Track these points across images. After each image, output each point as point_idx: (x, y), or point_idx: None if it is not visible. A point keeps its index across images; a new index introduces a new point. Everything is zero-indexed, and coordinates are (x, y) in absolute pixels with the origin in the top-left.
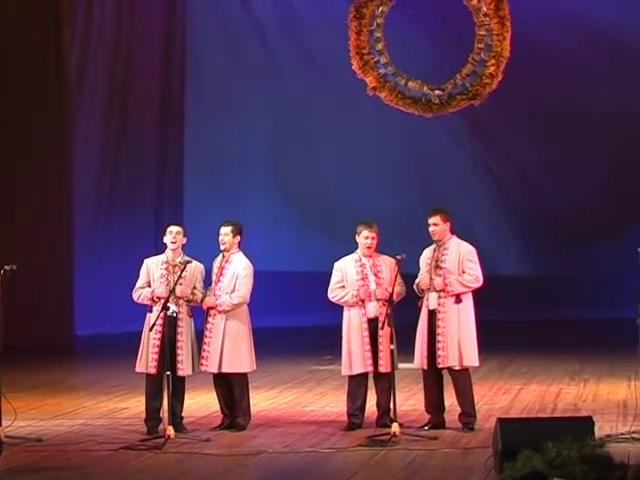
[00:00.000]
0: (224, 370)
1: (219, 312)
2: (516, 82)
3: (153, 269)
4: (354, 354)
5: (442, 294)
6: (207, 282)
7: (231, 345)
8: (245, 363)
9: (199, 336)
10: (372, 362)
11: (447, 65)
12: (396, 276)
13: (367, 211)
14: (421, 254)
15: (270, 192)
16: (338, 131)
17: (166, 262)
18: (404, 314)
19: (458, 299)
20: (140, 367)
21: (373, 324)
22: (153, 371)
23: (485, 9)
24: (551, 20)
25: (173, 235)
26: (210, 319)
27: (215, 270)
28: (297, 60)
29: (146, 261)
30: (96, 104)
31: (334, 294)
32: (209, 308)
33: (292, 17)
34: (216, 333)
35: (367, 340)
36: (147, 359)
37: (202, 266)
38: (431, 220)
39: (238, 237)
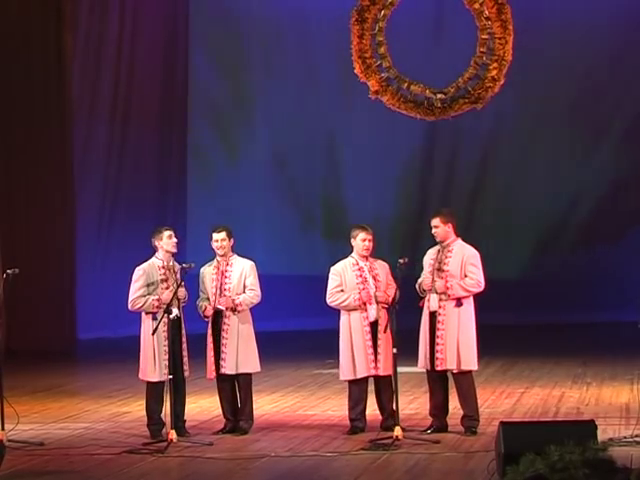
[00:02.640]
0: (240, 370)
1: (239, 311)
2: (516, 82)
3: (151, 274)
4: (357, 358)
5: (443, 297)
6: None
7: (244, 345)
8: (255, 363)
9: (197, 339)
10: (375, 365)
11: (449, 69)
12: (395, 279)
13: (370, 214)
14: (424, 254)
15: (273, 196)
16: (340, 134)
17: (163, 267)
18: (404, 318)
19: (459, 302)
20: (155, 376)
21: (373, 327)
22: (166, 377)
23: (487, 13)
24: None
25: (173, 238)
26: (226, 320)
27: (211, 276)
28: (299, 63)
29: (142, 268)
30: (99, 106)
31: (334, 298)
32: (217, 310)
33: (293, 22)
34: (232, 334)
35: (370, 343)
36: (160, 366)
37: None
38: (432, 222)
39: (232, 240)
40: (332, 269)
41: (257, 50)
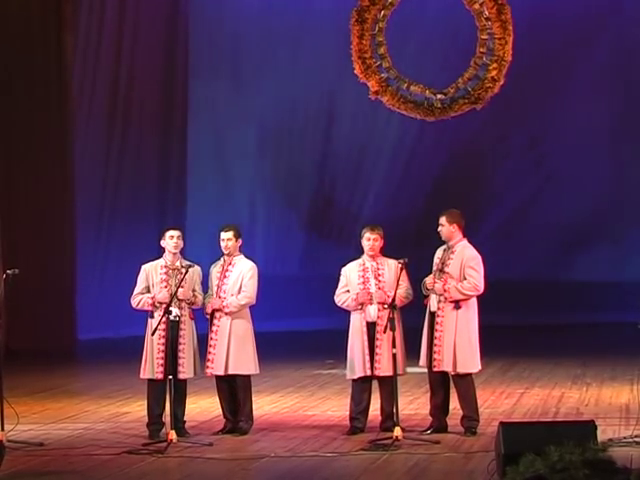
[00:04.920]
0: (230, 372)
1: (226, 314)
2: (516, 84)
3: (152, 274)
4: (355, 358)
5: (441, 298)
6: (205, 285)
7: (237, 347)
8: (251, 365)
9: (202, 338)
10: (371, 366)
11: (449, 69)
12: (398, 280)
13: (371, 214)
14: (433, 254)
15: (273, 196)
16: (341, 134)
17: (165, 267)
18: (408, 318)
19: (457, 305)
20: (146, 373)
21: (373, 327)
22: (160, 376)
23: (487, 13)
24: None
25: (175, 239)
26: (215, 321)
27: (216, 274)
28: (299, 62)
29: (144, 267)
30: (99, 106)
31: (339, 298)
32: (214, 310)
33: (294, 19)
34: (222, 335)
35: (366, 344)
36: (152, 364)
37: (199, 268)
38: (439, 220)
39: (240, 240)
40: (342, 269)
41: (257, 50)
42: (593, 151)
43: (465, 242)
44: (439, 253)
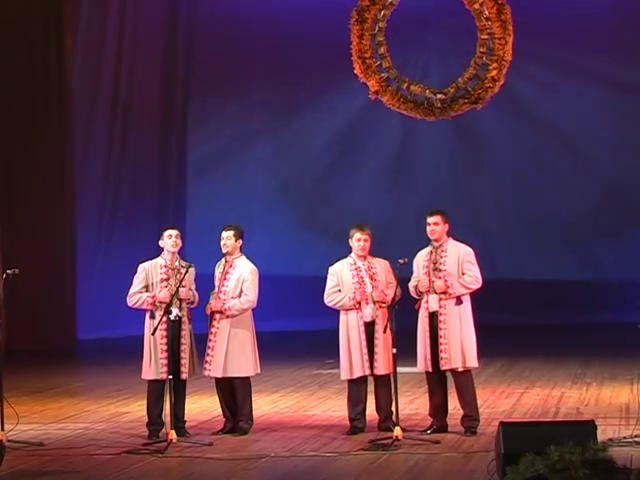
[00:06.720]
0: (228, 374)
1: (227, 317)
2: (516, 85)
3: (152, 273)
4: (353, 358)
5: (443, 296)
6: (209, 287)
7: (235, 349)
8: (249, 367)
9: (198, 339)
10: (370, 365)
11: (449, 69)
12: (397, 279)
13: (368, 214)
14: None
15: (273, 196)
16: (339, 132)
17: (165, 266)
18: (402, 318)
19: (459, 300)
20: (150, 374)
21: (370, 327)
22: (165, 377)
23: (487, 13)
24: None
25: (173, 239)
26: (215, 323)
27: (218, 275)
28: (299, 63)
29: (143, 265)
30: (99, 106)
31: (330, 298)
32: (213, 312)
33: (293, 22)
34: (221, 337)
35: (364, 343)
36: (157, 365)
37: (193, 268)
38: (431, 219)
39: (240, 241)
40: (330, 269)
41: (257, 50)
42: (593, 150)
43: (452, 240)
44: (424, 255)
